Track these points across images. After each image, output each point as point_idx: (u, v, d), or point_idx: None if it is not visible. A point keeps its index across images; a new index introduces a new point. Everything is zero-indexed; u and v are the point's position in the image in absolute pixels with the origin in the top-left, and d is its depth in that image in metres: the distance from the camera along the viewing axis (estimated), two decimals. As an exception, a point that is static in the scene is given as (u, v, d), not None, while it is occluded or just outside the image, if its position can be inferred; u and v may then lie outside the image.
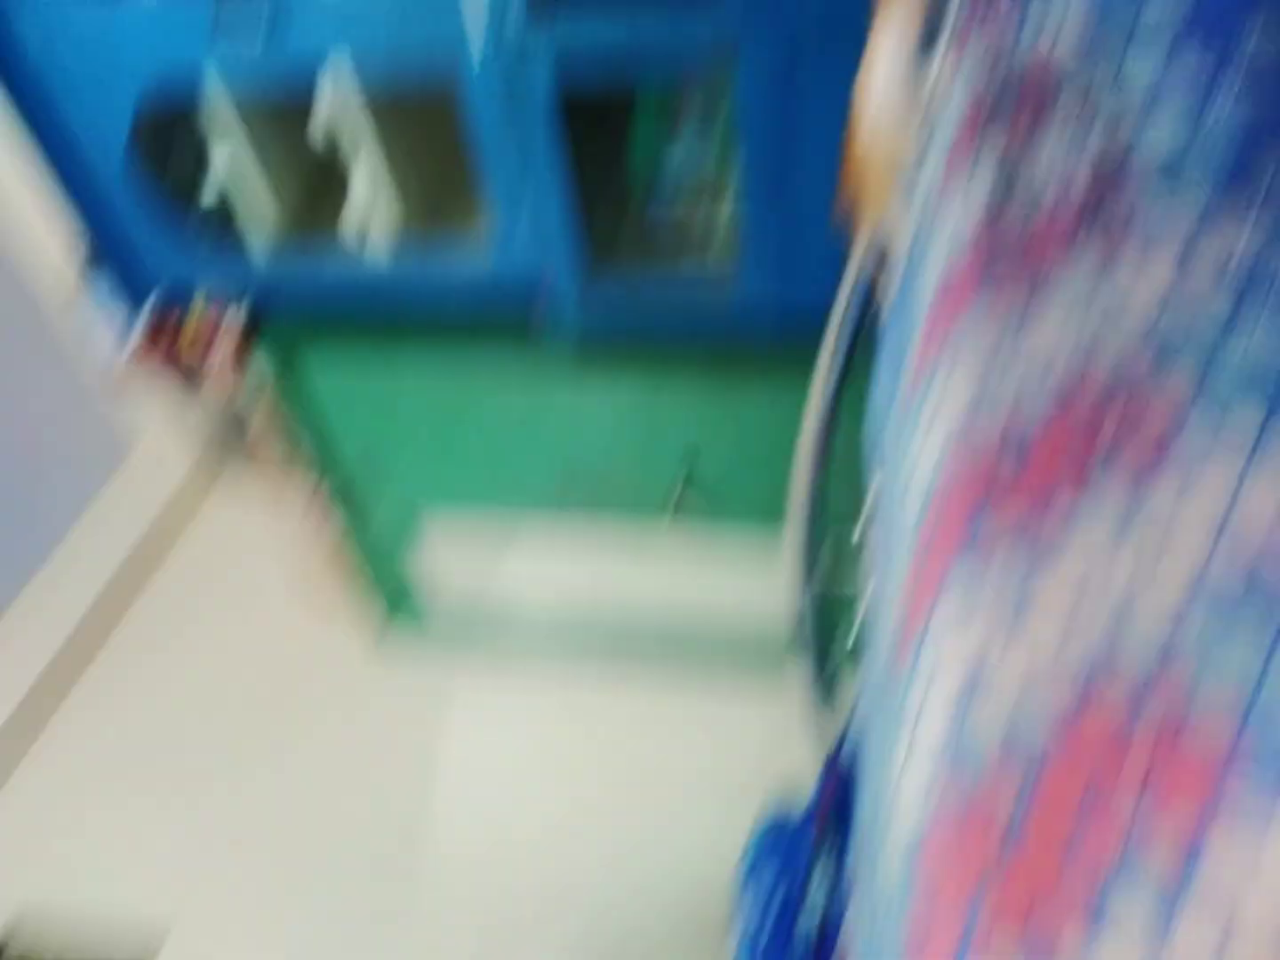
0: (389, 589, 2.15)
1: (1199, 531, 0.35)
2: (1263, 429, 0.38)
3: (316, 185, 1.76)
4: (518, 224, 1.48)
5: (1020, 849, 0.31)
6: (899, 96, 0.70)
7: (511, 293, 1.58)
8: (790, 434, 1.15)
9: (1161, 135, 0.58)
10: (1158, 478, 0.39)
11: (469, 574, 2.18)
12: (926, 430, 0.48)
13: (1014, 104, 0.58)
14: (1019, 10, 0.68)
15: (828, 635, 1.26)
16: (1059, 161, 0.55)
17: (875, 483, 0.70)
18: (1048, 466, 0.42)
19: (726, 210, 1.61)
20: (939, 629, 0.40)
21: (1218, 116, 0.58)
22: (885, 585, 0.51)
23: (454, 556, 2.12)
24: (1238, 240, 0.50)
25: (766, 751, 2.02)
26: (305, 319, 1.73)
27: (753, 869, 1.21)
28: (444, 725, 2.20)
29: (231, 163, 1.64)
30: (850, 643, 1.16)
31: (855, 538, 1.10)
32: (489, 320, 1.66)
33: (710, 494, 1.80)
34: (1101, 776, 0.31)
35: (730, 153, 1.51)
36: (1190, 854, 0.28)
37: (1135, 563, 0.36)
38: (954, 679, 0.37)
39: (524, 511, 1.96)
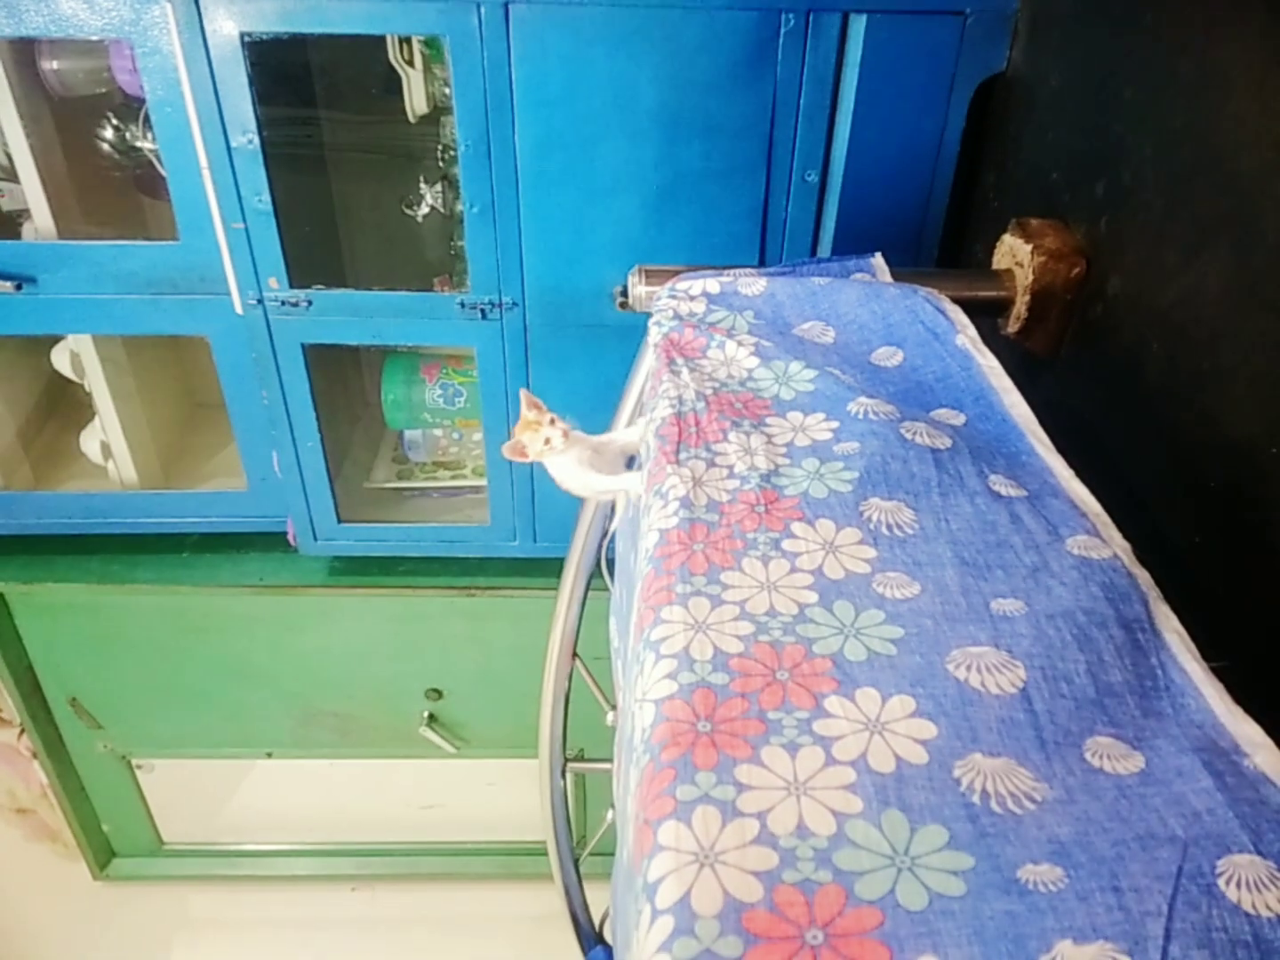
0: (111, 823, 2.01)
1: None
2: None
3: (56, 404, 1.75)
4: (268, 459, 1.54)
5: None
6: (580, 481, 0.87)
7: (266, 515, 1.62)
8: (529, 672, 1.26)
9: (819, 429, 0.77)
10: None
11: (198, 808, 2.08)
12: (652, 668, 0.60)
13: (699, 428, 0.75)
14: (705, 338, 0.87)
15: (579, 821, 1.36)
16: (734, 471, 0.72)
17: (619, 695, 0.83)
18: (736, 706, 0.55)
19: (478, 439, 1.74)
20: (664, 837, 0.50)
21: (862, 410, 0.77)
22: (628, 780, 0.61)
23: (182, 791, 2.01)
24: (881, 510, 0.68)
25: (533, 934, 2.01)
26: (26, 543, 1.67)
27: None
28: (176, 946, 2.03)
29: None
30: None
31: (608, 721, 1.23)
32: (240, 539, 1.68)
33: (454, 729, 1.84)
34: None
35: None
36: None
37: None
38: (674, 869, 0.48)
39: (259, 750, 1.90)
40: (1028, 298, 1.00)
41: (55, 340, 1.55)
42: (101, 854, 2.02)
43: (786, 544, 0.66)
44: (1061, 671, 0.58)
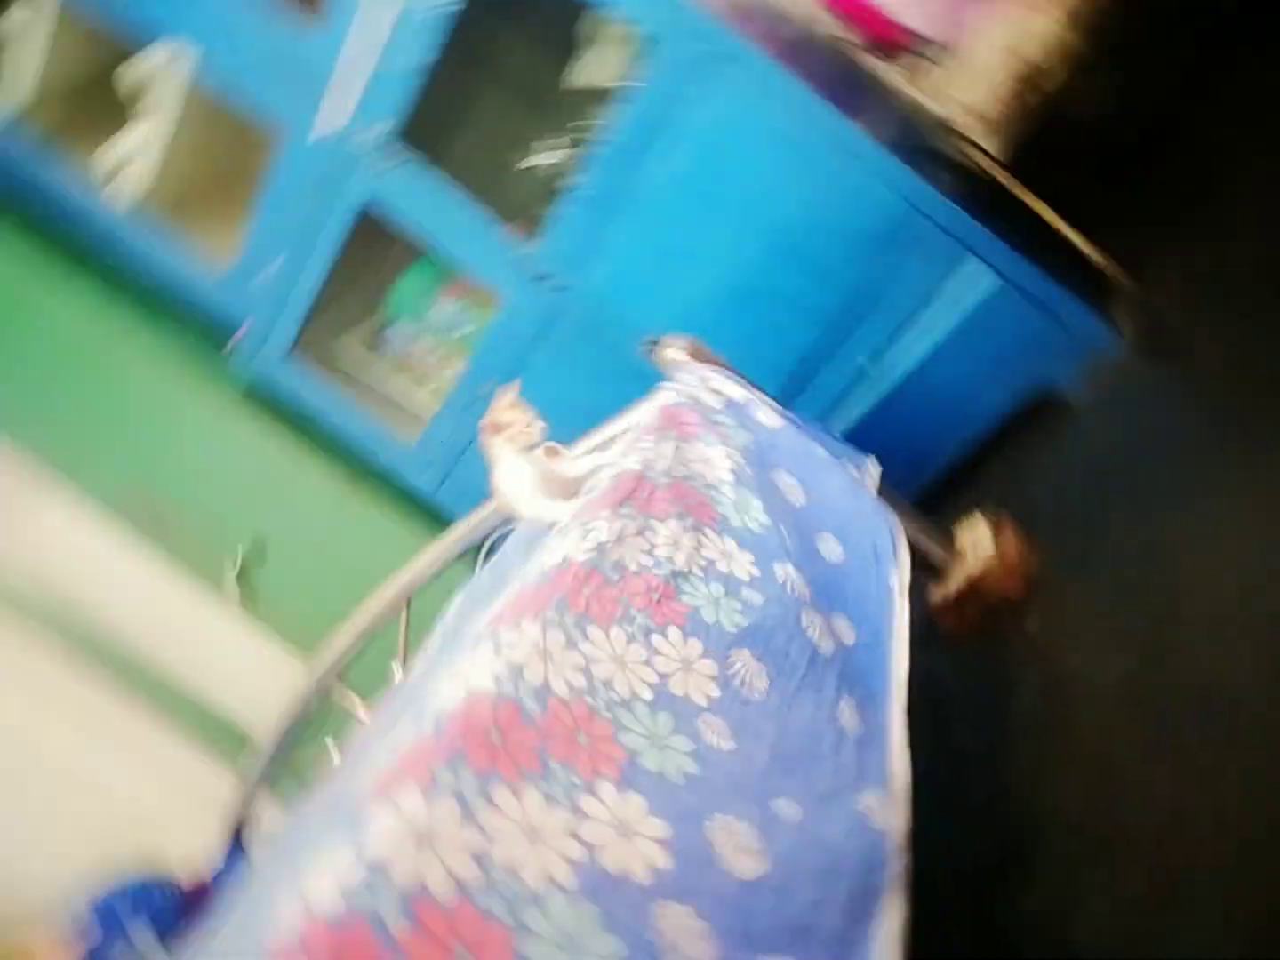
0: None
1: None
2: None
3: (97, 107, 1.70)
4: (268, 261, 1.53)
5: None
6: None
7: (226, 309, 1.60)
8: (357, 588, 1.26)
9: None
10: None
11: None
12: (486, 657, 0.62)
13: (650, 498, 0.79)
14: (702, 430, 0.91)
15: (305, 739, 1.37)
16: (654, 552, 0.75)
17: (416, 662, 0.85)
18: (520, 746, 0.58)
19: (451, 373, 1.74)
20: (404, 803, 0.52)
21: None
22: (393, 729, 0.62)
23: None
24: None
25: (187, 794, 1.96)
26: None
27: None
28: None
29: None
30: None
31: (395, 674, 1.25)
32: (191, 317, 1.66)
33: (253, 588, 1.81)
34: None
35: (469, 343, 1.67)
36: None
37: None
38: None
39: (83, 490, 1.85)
40: (962, 585, 1.06)
41: (143, 46, 1.51)
42: None
43: (656, 639, 0.69)
44: (792, 889, 0.61)
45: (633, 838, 0.57)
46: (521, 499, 0.89)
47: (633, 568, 0.73)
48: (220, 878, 1.45)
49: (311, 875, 0.49)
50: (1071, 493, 1.14)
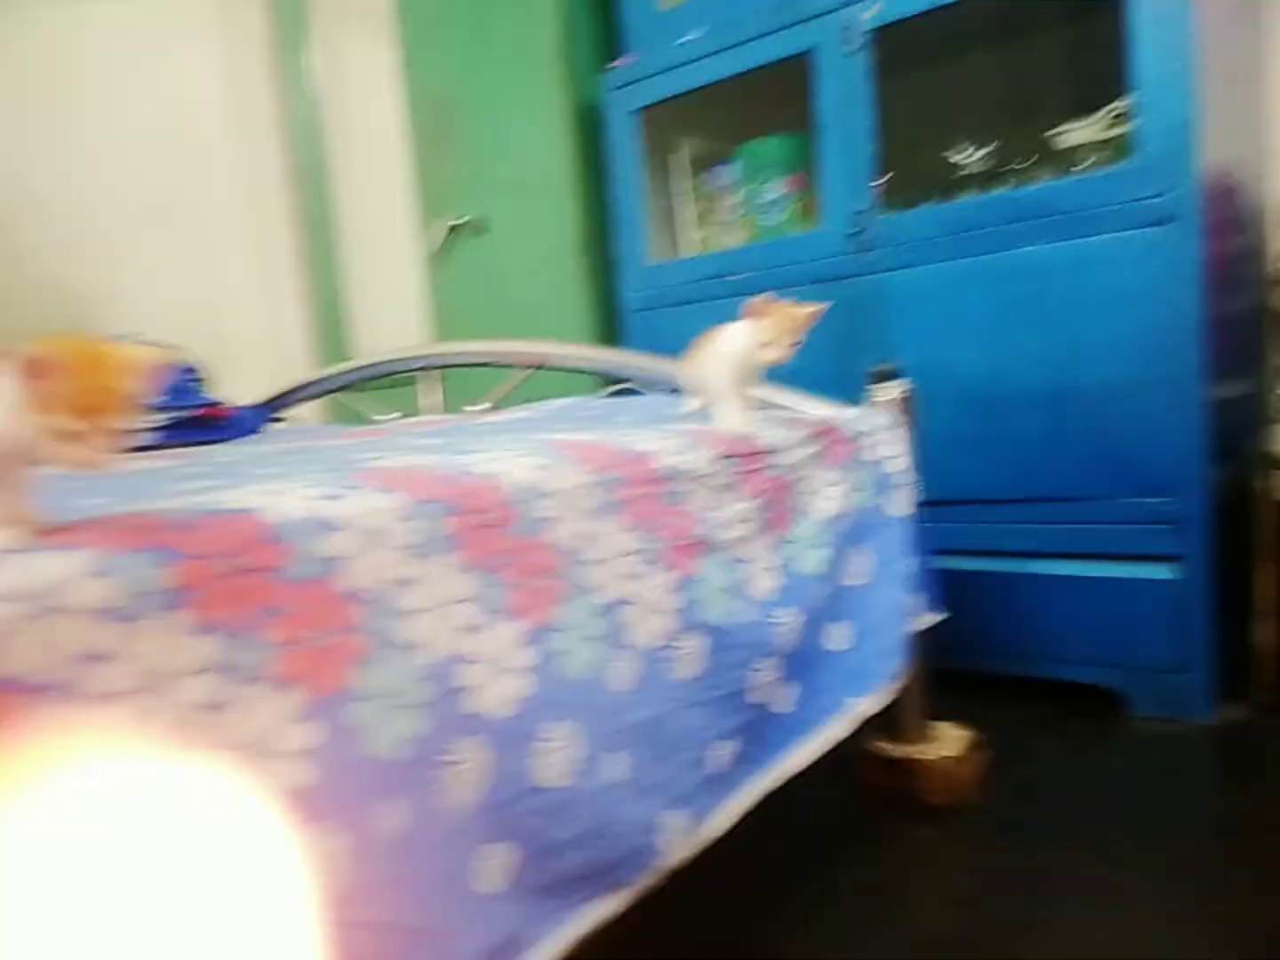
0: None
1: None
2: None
3: None
4: (688, 27, 1.55)
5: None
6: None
7: (631, 37, 1.64)
8: (521, 322, 1.31)
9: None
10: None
11: None
12: (525, 454, 0.67)
13: (751, 472, 0.81)
14: (843, 465, 0.92)
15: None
16: (711, 512, 0.78)
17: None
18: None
19: (727, 241, 1.76)
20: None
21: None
22: (419, 440, 0.68)
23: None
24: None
25: (267, 352, 2.13)
26: None
27: None
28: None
29: None
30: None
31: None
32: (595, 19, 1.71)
33: (450, 251, 1.90)
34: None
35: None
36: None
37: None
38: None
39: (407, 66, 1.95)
40: (904, 758, 1.08)
41: None
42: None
43: (649, 570, 0.73)
44: (567, 818, 0.66)
45: (498, 673, 0.62)
46: (715, 374, 0.92)
47: (688, 508, 0.76)
48: (240, 420, 1.52)
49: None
50: (1051, 781, 1.13)
